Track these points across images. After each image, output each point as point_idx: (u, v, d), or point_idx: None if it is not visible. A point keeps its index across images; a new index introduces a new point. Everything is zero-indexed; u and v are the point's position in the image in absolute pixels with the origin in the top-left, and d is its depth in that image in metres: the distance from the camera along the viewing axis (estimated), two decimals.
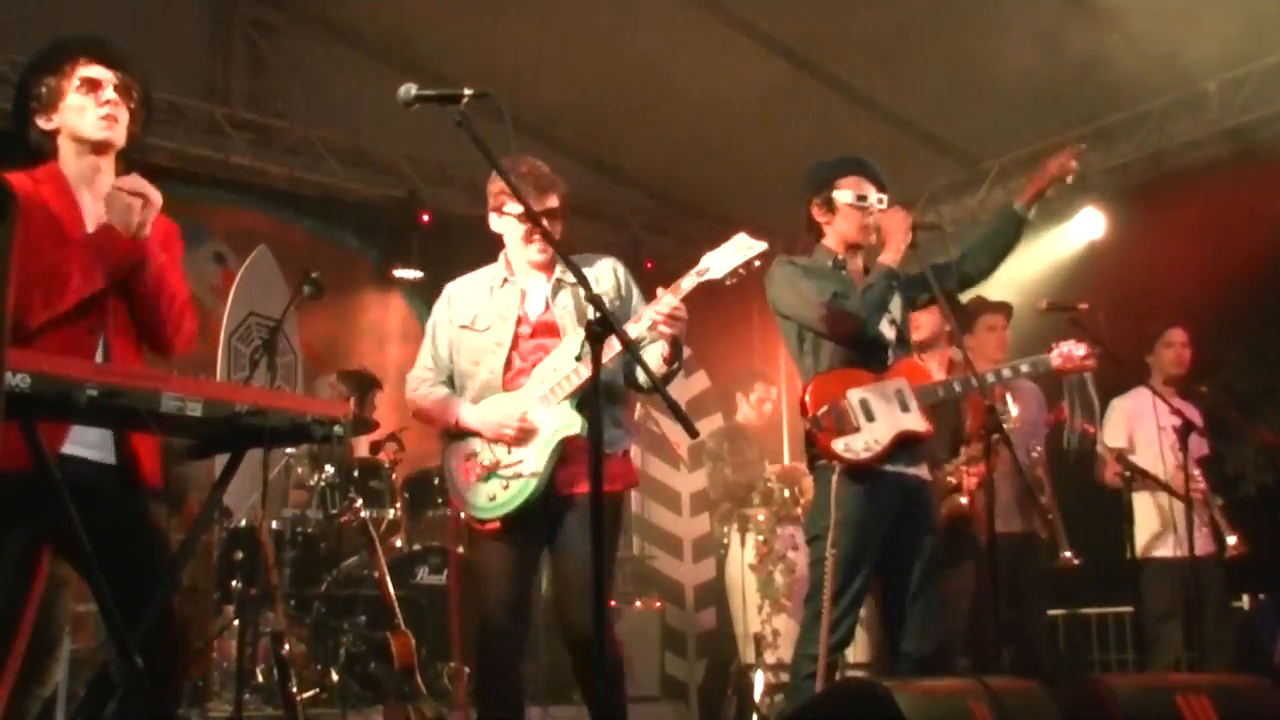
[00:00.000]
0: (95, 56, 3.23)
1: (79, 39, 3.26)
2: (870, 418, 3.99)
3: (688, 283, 3.68)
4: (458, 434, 3.94)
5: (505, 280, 3.99)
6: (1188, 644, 6.05)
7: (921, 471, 4.14)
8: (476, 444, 3.89)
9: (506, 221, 3.95)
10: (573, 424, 3.76)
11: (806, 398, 4.05)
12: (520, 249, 3.96)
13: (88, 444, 3.04)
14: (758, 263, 3.73)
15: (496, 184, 3.88)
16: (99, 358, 3.09)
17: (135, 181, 3.18)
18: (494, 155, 3.39)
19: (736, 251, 3.70)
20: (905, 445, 4.04)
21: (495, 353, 3.91)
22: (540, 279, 3.97)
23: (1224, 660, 5.92)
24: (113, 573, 2.88)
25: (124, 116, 3.25)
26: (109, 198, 3.15)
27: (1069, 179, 4.25)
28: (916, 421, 4.05)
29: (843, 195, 4.21)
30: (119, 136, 3.25)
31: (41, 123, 3.22)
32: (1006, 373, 4.54)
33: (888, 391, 4.05)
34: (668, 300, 3.64)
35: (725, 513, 7.33)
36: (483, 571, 3.92)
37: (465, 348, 3.98)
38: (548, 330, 3.90)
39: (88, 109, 3.20)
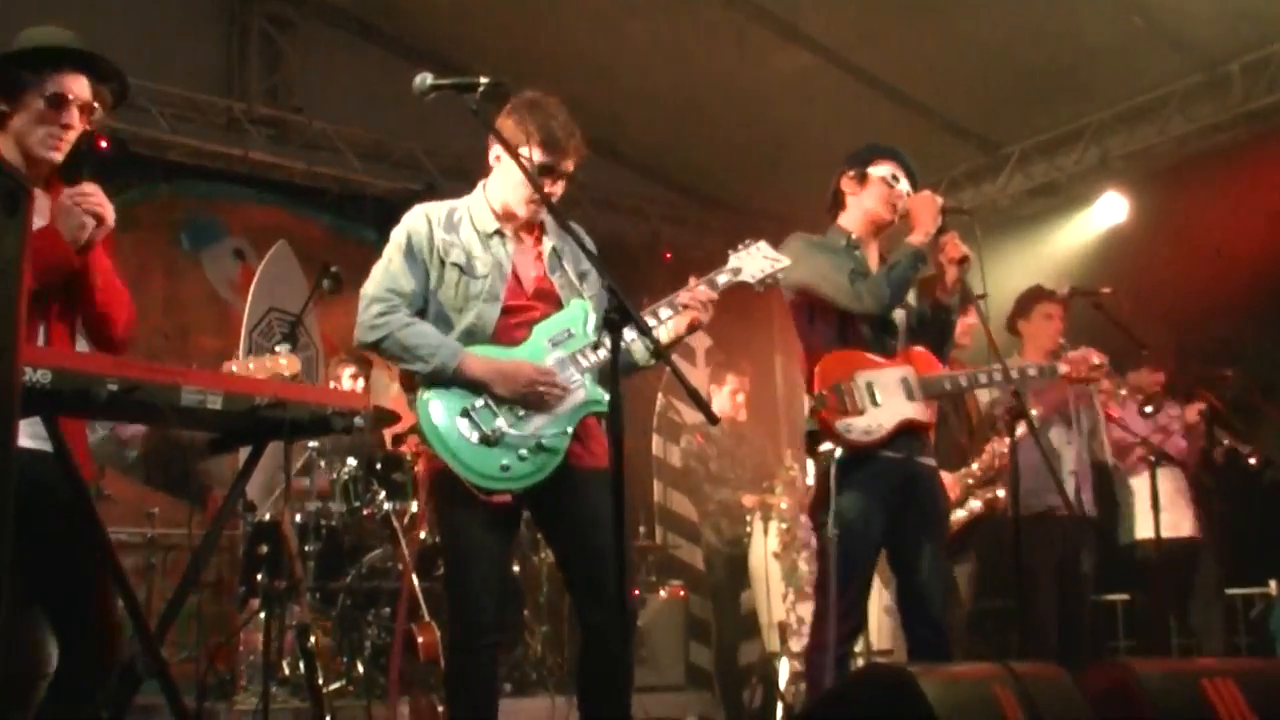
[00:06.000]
0: (80, 70, 3.14)
1: (71, 52, 3.15)
2: (875, 402, 3.98)
3: (723, 280, 3.60)
4: (443, 384, 3.42)
5: (497, 231, 3.59)
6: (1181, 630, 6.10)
7: (928, 460, 4.12)
8: (476, 400, 3.40)
9: (511, 166, 3.48)
10: (601, 400, 3.47)
11: (814, 375, 4.04)
12: (515, 194, 3.56)
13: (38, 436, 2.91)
14: (781, 276, 3.74)
15: (512, 122, 3.53)
16: (40, 342, 3.01)
17: (94, 198, 3.04)
18: (510, 145, 3.39)
19: (763, 259, 3.68)
20: (909, 433, 4.02)
21: (490, 303, 3.49)
22: (527, 237, 3.64)
23: (1215, 648, 5.93)
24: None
25: (74, 137, 3.13)
26: (63, 207, 3.01)
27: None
28: (920, 411, 4.03)
29: (879, 170, 4.20)
30: (57, 158, 3.13)
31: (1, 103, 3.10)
32: (1015, 375, 4.51)
33: (894, 378, 4.04)
34: (705, 291, 3.55)
35: (703, 513, 7.35)
36: (466, 550, 3.43)
37: (451, 288, 3.51)
38: (546, 297, 3.58)
39: (43, 124, 3.08)
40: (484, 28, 8.01)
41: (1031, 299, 5.79)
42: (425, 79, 3.11)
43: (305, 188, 8.48)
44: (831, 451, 3.95)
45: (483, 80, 3.08)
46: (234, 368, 3.65)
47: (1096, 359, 4.63)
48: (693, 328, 3.58)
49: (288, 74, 8.51)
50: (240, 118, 8.16)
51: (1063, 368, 4.61)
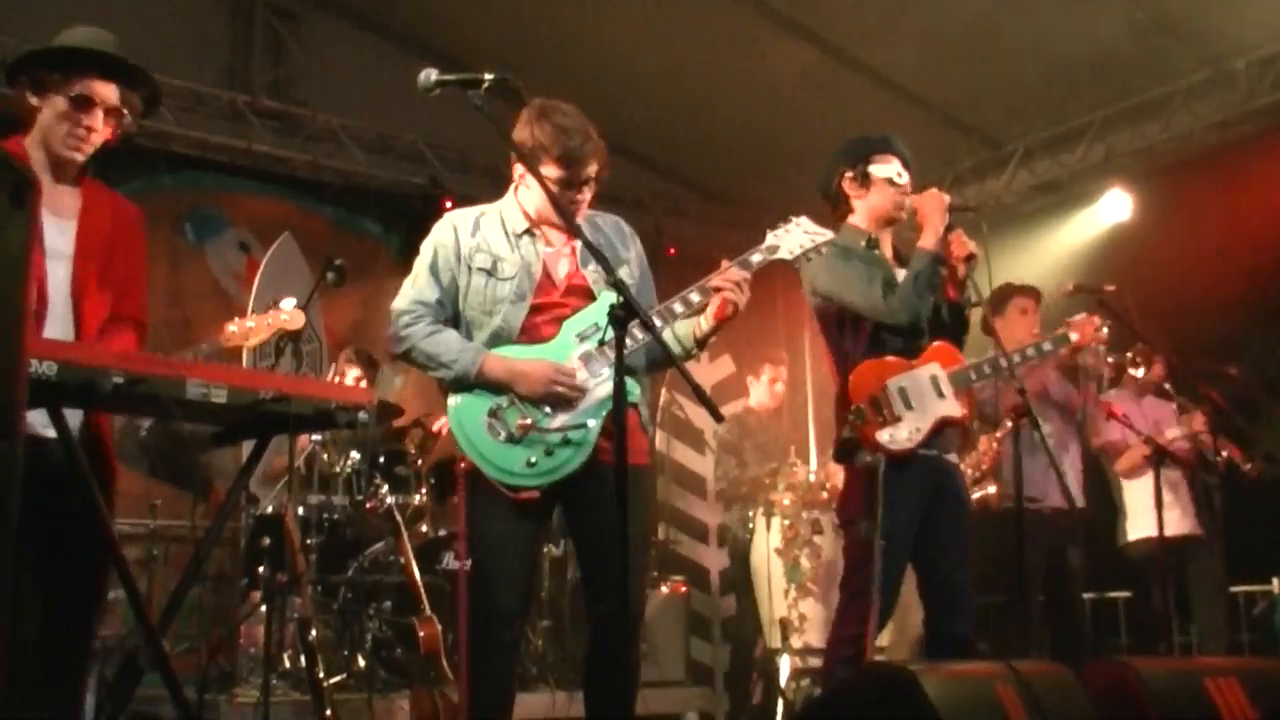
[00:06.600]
0: (109, 76, 3.18)
1: (99, 57, 3.19)
2: (909, 406, 3.98)
3: (757, 259, 3.53)
4: (471, 387, 3.48)
5: (527, 231, 3.63)
6: (1181, 629, 6.10)
7: (951, 456, 4.16)
8: (502, 400, 3.45)
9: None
10: (630, 392, 3.41)
11: (848, 388, 4.03)
12: (543, 206, 3.57)
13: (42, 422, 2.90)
14: (824, 250, 3.69)
15: (526, 135, 3.53)
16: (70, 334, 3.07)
17: None
18: (514, 142, 3.39)
19: (804, 234, 3.61)
20: (939, 430, 4.03)
21: (517, 305, 3.54)
22: (559, 236, 3.65)
23: (1218, 646, 5.94)
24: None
25: (98, 139, 3.19)
26: None
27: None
28: (953, 408, 4.04)
29: (881, 169, 4.19)
30: (79, 159, 3.19)
31: (32, 97, 3.16)
32: (1031, 352, 4.55)
33: (923, 378, 4.04)
34: (736, 272, 3.45)
35: (734, 498, 7.33)
36: (492, 544, 3.44)
37: (479, 293, 3.57)
38: (579, 293, 3.59)
39: (67, 123, 3.14)
40: (487, 21, 8.00)
41: (1004, 295, 5.79)
42: (430, 75, 3.11)
43: (309, 181, 8.50)
44: (876, 458, 3.95)
45: (488, 76, 3.08)
46: (234, 327, 3.65)
47: (1099, 320, 4.75)
48: (728, 314, 3.48)
49: (292, 67, 8.52)
50: (244, 110, 8.16)
51: (1073, 334, 4.69)
